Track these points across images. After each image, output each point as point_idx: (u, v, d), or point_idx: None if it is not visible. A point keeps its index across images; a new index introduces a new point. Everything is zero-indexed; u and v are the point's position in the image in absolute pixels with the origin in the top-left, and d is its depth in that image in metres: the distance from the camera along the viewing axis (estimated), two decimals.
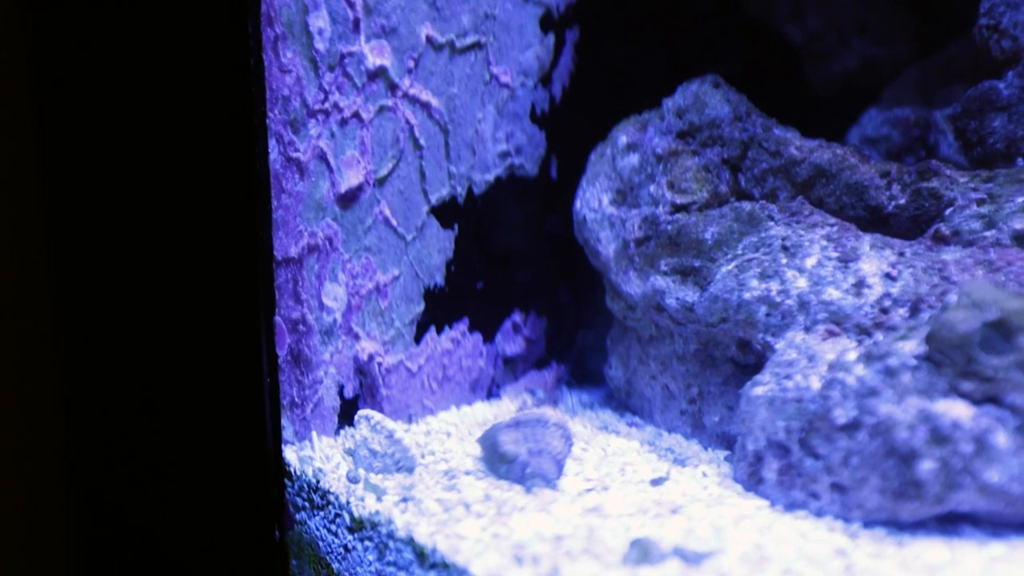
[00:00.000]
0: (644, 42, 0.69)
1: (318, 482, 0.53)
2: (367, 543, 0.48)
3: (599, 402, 0.66)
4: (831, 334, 0.48)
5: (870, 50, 0.72)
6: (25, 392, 0.66)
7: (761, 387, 0.48)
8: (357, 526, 0.49)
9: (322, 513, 0.52)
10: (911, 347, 0.43)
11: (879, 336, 0.45)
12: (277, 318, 0.54)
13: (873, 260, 0.49)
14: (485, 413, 0.63)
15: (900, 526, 0.43)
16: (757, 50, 0.75)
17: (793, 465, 0.46)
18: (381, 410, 0.60)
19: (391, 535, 0.47)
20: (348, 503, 0.50)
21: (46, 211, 0.65)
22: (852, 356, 0.45)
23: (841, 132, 0.70)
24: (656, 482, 0.50)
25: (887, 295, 0.48)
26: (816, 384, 0.45)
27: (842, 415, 0.44)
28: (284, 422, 0.56)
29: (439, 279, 0.62)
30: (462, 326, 0.63)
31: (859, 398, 0.43)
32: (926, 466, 0.41)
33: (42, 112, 0.63)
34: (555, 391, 0.66)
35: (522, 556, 0.42)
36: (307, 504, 0.54)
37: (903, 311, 0.47)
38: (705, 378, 0.56)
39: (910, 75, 0.68)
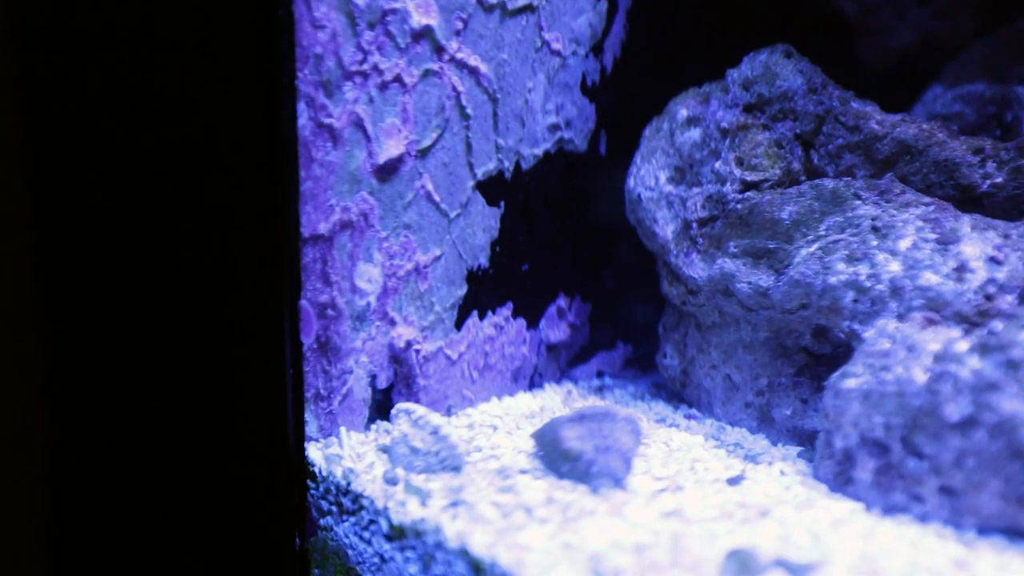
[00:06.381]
0: (696, 12, 0.65)
1: (348, 484, 0.48)
2: (408, 553, 0.44)
3: (649, 392, 0.62)
4: (930, 322, 0.44)
5: (930, 24, 0.68)
6: (6, 385, 0.60)
7: (853, 379, 0.44)
8: (397, 534, 0.45)
9: (353, 519, 0.48)
10: None
11: (996, 324, 0.41)
12: (303, 302, 0.49)
13: (976, 242, 0.45)
14: (530, 404, 0.59)
15: (1022, 534, 0.39)
16: (807, 23, 0.71)
17: (893, 465, 0.42)
18: (418, 401, 0.55)
19: (439, 545, 0.42)
20: (386, 508, 0.45)
21: (36, 184, 0.59)
22: (963, 346, 0.41)
23: (895, 112, 0.66)
24: (733, 481, 0.46)
25: (992, 280, 0.44)
26: (921, 377, 0.41)
27: (955, 412, 0.40)
28: (308, 416, 0.51)
29: (483, 260, 0.57)
30: (506, 311, 0.59)
31: (976, 393, 0.39)
32: None
33: (32, 70, 0.58)
34: (623, 373, 0.63)
35: (601, 571, 0.38)
36: (335, 508, 0.49)
37: (1011, 298, 0.43)
38: (776, 368, 0.52)
39: (976, 51, 0.64)
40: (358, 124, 0.49)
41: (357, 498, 0.48)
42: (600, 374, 0.64)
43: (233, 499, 0.56)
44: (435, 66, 0.51)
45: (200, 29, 0.50)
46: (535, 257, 0.60)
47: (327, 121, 0.48)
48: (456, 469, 0.48)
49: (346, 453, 0.51)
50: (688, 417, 0.57)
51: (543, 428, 0.49)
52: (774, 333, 0.52)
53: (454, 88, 0.53)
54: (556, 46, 0.57)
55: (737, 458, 0.50)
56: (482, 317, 0.57)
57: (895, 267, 0.46)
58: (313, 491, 0.51)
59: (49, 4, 0.57)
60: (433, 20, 0.51)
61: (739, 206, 0.52)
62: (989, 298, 0.43)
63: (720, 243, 0.52)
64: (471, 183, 0.55)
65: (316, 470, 0.50)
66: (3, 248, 0.59)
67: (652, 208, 0.56)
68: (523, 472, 0.47)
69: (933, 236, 0.45)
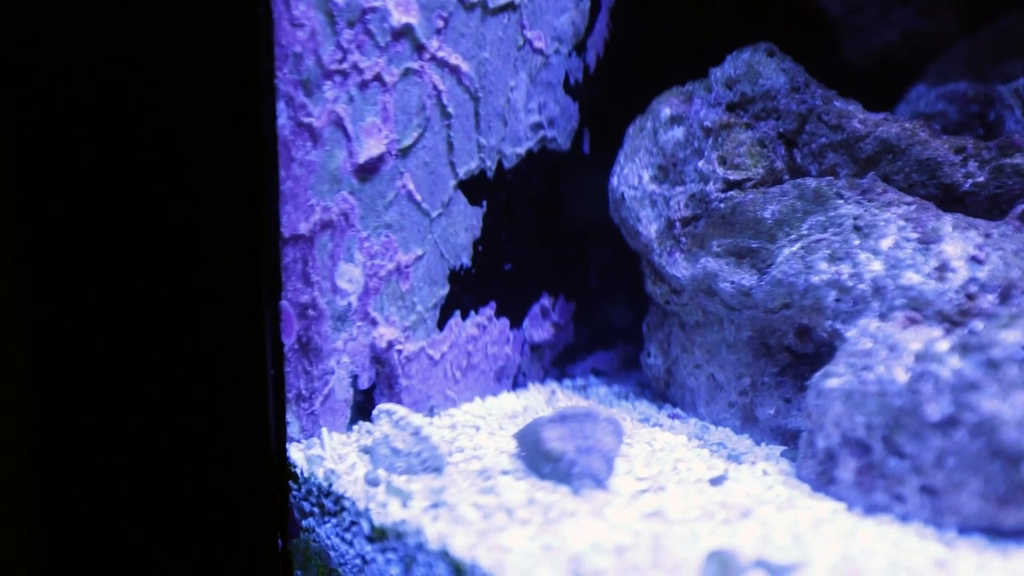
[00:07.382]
0: (679, 10, 0.65)
1: (330, 485, 0.48)
2: (390, 555, 0.44)
3: (633, 392, 0.62)
4: (912, 322, 0.44)
5: (913, 23, 0.68)
6: None
7: (835, 379, 0.44)
8: (378, 535, 0.44)
9: (334, 520, 0.48)
10: (1015, 337, 0.39)
11: (976, 324, 0.41)
12: (283, 302, 0.49)
13: (957, 242, 0.45)
14: (513, 404, 0.58)
15: (1002, 534, 0.39)
16: (790, 22, 0.71)
17: (874, 465, 0.42)
18: (400, 402, 0.55)
19: (420, 546, 0.42)
20: (367, 509, 0.45)
21: (15, 185, 0.59)
22: (944, 346, 0.41)
23: (879, 110, 0.66)
24: (716, 481, 0.46)
25: (973, 280, 0.44)
26: (902, 377, 0.41)
27: (935, 411, 0.40)
28: (289, 417, 0.51)
29: (465, 260, 0.57)
30: (488, 310, 0.59)
31: (956, 393, 0.39)
32: None
33: (10, 72, 0.57)
34: (620, 373, 0.63)
35: (582, 572, 0.38)
36: (316, 509, 0.49)
37: (992, 297, 0.43)
38: (759, 368, 0.52)
39: (959, 50, 0.64)
40: (338, 123, 0.49)
41: (339, 499, 0.48)
42: (597, 372, 0.64)
43: (215, 500, 0.56)
44: (415, 65, 0.51)
45: (178, 29, 0.50)
46: (518, 256, 0.60)
47: (307, 120, 0.48)
48: (437, 470, 0.48)
49: (328, 454, 0.51)
50: (672, 416, 0.57)
51: (525, 429, 0.49)
52: (757, 332, 0.52)
53: (435, 87, 0.52)
54: (538, 44, 0.57)
55: (720, 458, 0.50)
56: (465, 317, 0.57)
57: (877, 266, 0.46)
58: (295, 492, 0.50)
59: (26, 7, 0.56)
60: (413, 18, 0.50)
61: (722, 205, 0.52)
62: (970, 297, 0.43)
63: (703, 242, 0.52)
64: (453, 182, 0.55)
65: (298, 471, 0.50)
66: None
67: (635, 207, 0.56)
68: (505, 473, 0.47)
69: (915, 235, 0.45)
